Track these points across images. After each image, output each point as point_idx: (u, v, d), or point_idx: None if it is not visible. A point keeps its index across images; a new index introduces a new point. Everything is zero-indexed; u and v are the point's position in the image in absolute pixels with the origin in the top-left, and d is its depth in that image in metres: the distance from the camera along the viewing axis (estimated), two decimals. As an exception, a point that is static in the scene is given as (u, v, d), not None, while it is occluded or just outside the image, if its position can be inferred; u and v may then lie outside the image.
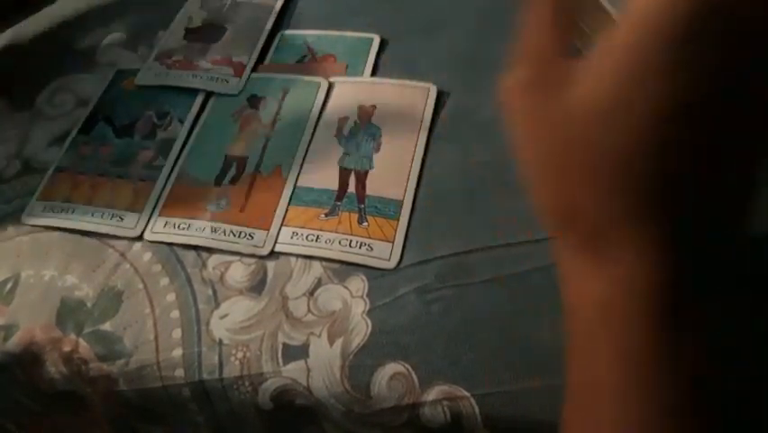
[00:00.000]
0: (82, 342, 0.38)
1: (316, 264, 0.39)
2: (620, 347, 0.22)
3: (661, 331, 0.21)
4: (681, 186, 0.21)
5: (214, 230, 0.41)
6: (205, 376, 0.36)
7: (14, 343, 0.39)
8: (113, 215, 0.43)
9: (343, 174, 0.43)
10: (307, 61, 0.50)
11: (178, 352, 0.37)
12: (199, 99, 0.48)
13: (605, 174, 0.22)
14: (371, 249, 0.39)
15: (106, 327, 0.38)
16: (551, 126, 0.23)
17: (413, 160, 0.43)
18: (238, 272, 0.39)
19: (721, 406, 0.22)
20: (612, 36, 0.22)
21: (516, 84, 0.25)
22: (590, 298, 0.23)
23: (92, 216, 0.43)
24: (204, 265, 0.40)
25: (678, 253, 0.22)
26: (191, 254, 0.41)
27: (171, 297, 0.39)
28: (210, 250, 0.41)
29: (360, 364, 0.35)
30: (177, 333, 0.38)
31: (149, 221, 0.42)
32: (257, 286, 0.39)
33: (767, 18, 0.20)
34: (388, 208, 0.41)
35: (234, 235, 0.41)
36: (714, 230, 0.22)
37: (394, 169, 0.43)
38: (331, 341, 0.36)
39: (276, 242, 0.40)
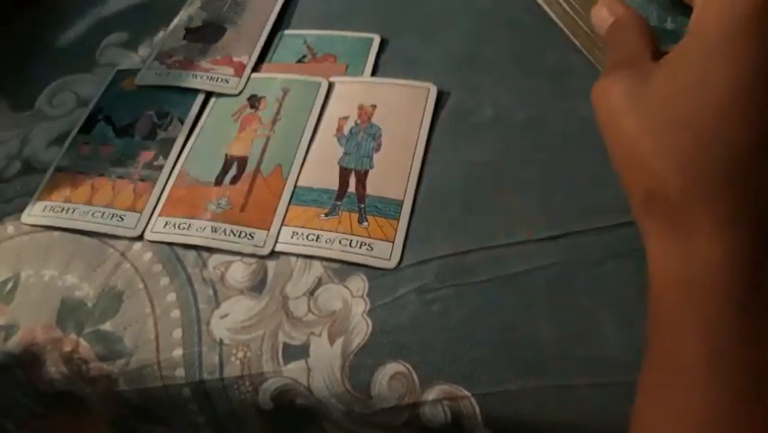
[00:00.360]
0: (82, 342, 0.38)
1: (317, 264, 0.39)
2: (705, 328, 0.23)
3: (745, 311, 0.22)
4: (758, 163, 0.23)
5: (214, 230, 0.41)
6: (205, 376, 0.36)
7: (15, 343, 0.39)
8: (113, 214, 0.43)
9: (344, 174, 0.43)
10: (307, 61, 0.50)
11: (178, 352, 0.37)
12: (199, 99, 0.48)
13: (688, 150, 0.24)
14: (372, 249, 0.39)
15: (107, 326, 0.38)
16: (643, 111, 0.26)
17: (413, 159, 0.43)
18: (238, 272, 0.39)
19: None
20: (691, 33, 0.26)
21: (615, 84, 0.28)
22: (675, 277, 0.24)
23: (92, 215, 0.43)
24: (204, 265, 0.40)
25: (760, 232, 0.23)
26: (191, 254, 0.41)
27: (172, 297, 0.39)
28: (210, 250, 0.41)
29: (360, 364, 0.35)
30: (177, 333, 0.38)
31: (149, 221, 0.42)
32: (257, 286, 0.39)
33: None
34: (388, 208, 0.41)
35: (235, 235, 0.41)
36: None
37: (394, 168, 0.43)
38: (331, 341, 0.36)
39: (276, 241, 0.40)
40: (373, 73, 0.48)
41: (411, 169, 0.42)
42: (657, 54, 0.29)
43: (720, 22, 0.25)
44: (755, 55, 0.24)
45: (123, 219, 0.42)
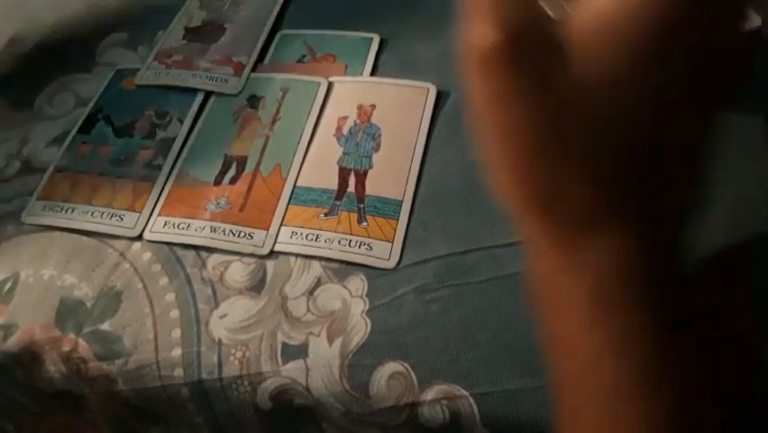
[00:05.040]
0: (81, 341, 0.38)
1: (316, 264, 0.39)
2: (614, 338, 0.21)
3: (653, 319, 0.21)
4: (669, 177, 0.21)
5: (213, 230, 0.41)
6: (204, 376, 0.36)
7: (14, 342, 0.39)
8: (112, 214, 0.43)
9: (343, 174, 0.43)
10: (307, 61, 0.50)
11: (177, 351, 0.37)
12: (199, 99, 0.48)
13: (598, 160, 0.20)
14: (371, 249, 0.39)
15: (106, 326, 0.38)
16: (540, 106, 0.20)
17: (412, 159, 0.43)
18: (237, 272, 0.39)
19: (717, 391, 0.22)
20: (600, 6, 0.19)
21: (488, 52, 0.20)
22: (573, 290, 0.22)
23: (91, 215, 0.43)
24: (203, 265, 0.40)
25: (664, 242, 0.21)
26: (191, 254, 0.41)
27: (171, 296, 0.39)
28: (210, 249, 0.41)
29: (359, 364, 0.35)
30: (176, 333, 0.38)
31: (148, 221, 0.42)
32: (256, 285, 0.39)
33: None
34: (387, 208, 0.41)
35: (234, 235, 0.41)
36: (689, 220, 0.22)
37: (393, 168, 0.43)
38: (330, 341, 0.36)
39: (275, 241, 0.40)
40: (373, 73, 0.48)
41: (410, 169, 0.42)
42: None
43: None
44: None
45: (122, 219, 0.42)
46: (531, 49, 0.20)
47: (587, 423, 0.22)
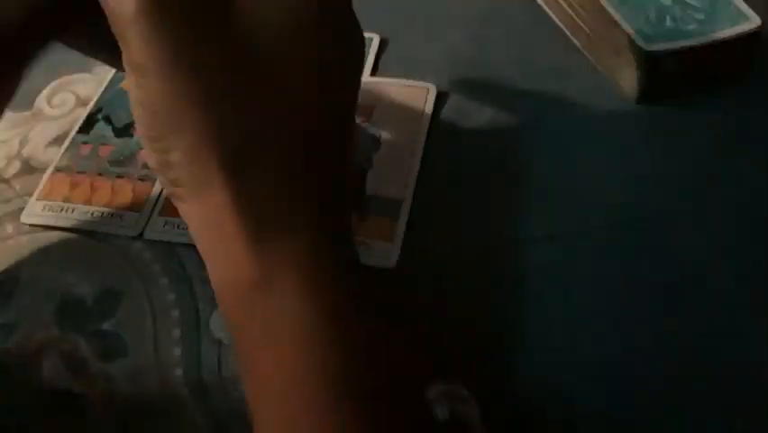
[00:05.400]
0: (81, 341, 0.38)
1: (316, 264, 0.39)
2: (332, 351, 0.22)
3: (318, 300, 0.21)
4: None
5: (213, 229, 0.41)
6: (204, 375, 0.36)
7: (14, 342, 0.39)
8: (112, 214, 0.43)
9: (343, 174, 0.43)
10: (307, 61, 0.50)
11: (177, 351, 0.37)
12: (199, 99, 0.48)
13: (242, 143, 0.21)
14: (371, 249, 0.39)
15: (106, 326, 0.38)
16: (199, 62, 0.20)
17: (412, 159, 0.43)
18: (237, 272, 0.39)
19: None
20: None
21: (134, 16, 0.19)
22: (241, 277, 0.22)
23: (91, 215, 0.43)
24: (203, 265, 0.40)
25: (323, 220, 0.22)
26: (191, 253, 0.41)
27: (171, 296, 0.39)
28: (210, 249, 0.41)
29: (359, 364, 0.35)
30: (176, 332, 0.38)
31: (148, 220, 0.42)
32: (256, 285, 0.39)
33: None
34: (387, 208, 0.41)
35: (234, 235, 0.40)
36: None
37: (393, 168, 0.43)
38: (330, 340, 0.36)
39: (275, 241, 0.40)
40: (373, 73, 0.48)
41: (410, 169, 0.42)
42: None
43: None
44: None
45: (122, 219, 0.42)
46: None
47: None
